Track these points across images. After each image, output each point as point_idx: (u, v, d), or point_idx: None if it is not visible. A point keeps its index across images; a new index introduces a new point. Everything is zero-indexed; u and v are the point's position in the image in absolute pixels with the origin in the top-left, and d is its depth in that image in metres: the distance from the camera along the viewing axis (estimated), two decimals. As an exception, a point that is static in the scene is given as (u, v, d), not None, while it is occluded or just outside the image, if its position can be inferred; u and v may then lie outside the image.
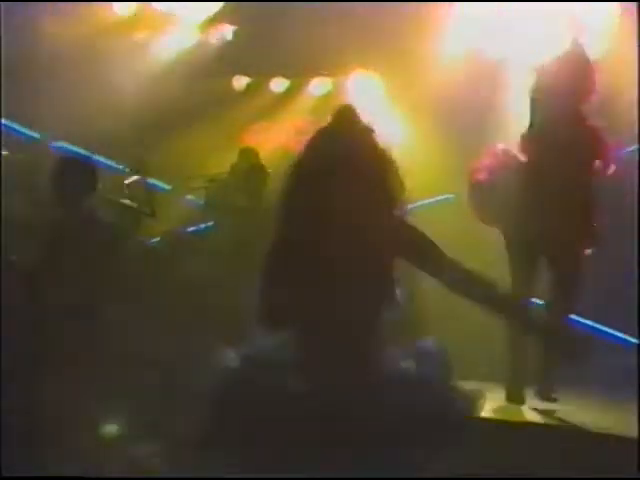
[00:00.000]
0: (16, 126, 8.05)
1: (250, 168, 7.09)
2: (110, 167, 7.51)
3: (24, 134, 8.09)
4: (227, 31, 8.61)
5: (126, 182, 6.96)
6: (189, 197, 7.97)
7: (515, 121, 5.90)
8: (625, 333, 7.17)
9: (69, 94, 7.60)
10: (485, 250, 5.88)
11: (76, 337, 4.79)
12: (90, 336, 4.88)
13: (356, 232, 2.93)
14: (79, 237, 4.97)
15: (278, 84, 9.28)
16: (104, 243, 5.05)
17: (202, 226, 7.35)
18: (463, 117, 7.60)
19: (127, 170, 7.06)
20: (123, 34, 8.20)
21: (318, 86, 9.20)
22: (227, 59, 8.55)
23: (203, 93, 8.54)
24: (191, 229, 7.45)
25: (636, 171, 6.80)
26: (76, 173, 5.17)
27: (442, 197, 7.93)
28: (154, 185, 7.72)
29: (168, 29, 8.49)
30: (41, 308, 4.89)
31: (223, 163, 7.56)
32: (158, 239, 7.23)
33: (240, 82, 9.21)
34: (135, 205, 6.62)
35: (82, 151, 6.88)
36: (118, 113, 7.81)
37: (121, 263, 5.28)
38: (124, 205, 6.53)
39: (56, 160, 5.30)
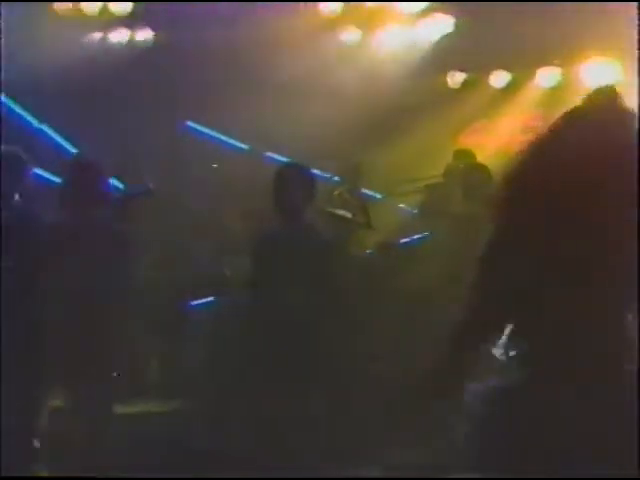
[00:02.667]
0: (224, 138, 7.97)
1: (470, 169, 6.41)
2: (320, 177, 7.19)
3: (233, 146, 7.98)
4: (439, 25, 8.01)
5: (336, 192, 6.60)
6: (401, 205, 7.48)
7: None
8: None
9: (279, 103, 7.35)
10: None
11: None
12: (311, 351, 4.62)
13: (605, 231, 2.65)
14: (300, 251, 4.68)
15: (499, 78, 8.62)
16: (325, 256, 4.73)
17: (417, 236, 6.82)
18: None
19: (336, 179, 6.73)
20: (331, 34, 7.84)
21: (546, 77, 8.41)
22: (441, 55, 8.06)
23: (415, 92, 8.12)
24: (405, 239, 6.92)
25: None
26: (297, 185, 4.81)
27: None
28: (366, 194, 7.34)
29: (377, 26, 8.04)
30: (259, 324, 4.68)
31: (439, 166, 7.08)
32: (371, 251, 6.82)
33: (456, 78, 8.65)
34: (351, 216, 6.22)
35: (295, 161, 6.57)
36: (327, 119, 7.47)
37: (339, 277, 4.94)
38: (340, 216, 6.15)
39: (277, 172, 4.92)
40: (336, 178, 7.21)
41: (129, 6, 7.75)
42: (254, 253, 4.78)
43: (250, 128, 7.76)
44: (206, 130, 8.17)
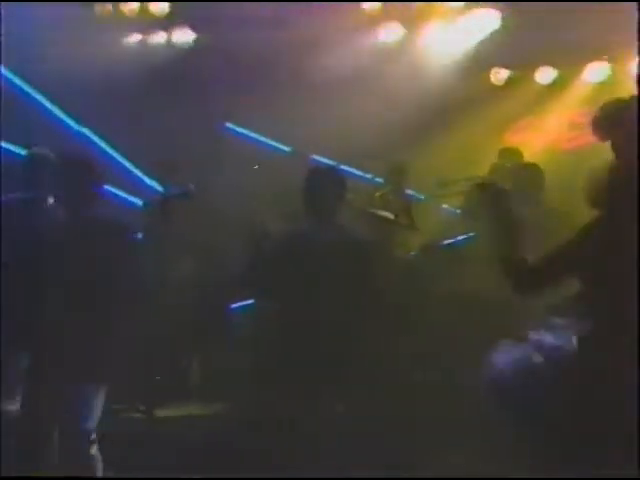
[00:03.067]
0: (265, 139, 7.88)
1: (519, 169, 6.20)
2: (361, 177, 7.07)
3: (274, 148, 7.88)
4: (483, 21, 7.83)
5: (378, 193, 6.47)
6: (445, 206, 7.32)
7: None
8: None
9: (321, 103, 7.30)
10: None
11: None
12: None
13: None
14: (333, 251, 4.58)
15: (545, 74, 8.42)
16: (360, 257, 4.62)
17: (461, 237, 6.65)
18: None
19: (379, 180, 6.61)
20: (373, 32, 7.74)
21: (595, 73, 8.19)
22: (484, 51, 7.85)
23: (459, 90, 7.95)
24: (450, 241, 6.76)
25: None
26: (328, 185, 4.73)
27: None
28: (409, 195, 7.20)
29: (420, 23, 7.89)
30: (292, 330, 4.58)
31: (483, 166, 6.86)
32: (415, 253, 6.71)
33: (500, 75, 8.46)
34: (393, 217, 6.09)
35: (332, 162, 6.46)
36: (370, 119, 7.35)
37: (377, 278, 4.82)
38: (383, 218, 6.04)
39: (308, 173, 4.83)
40: (379, 179, 7.08)
41: (167, 6, 7.68)
42: (285, 254, 4.67)
43: (291, 129, 7.65)
44: (246, 132, 8.08)
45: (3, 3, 6.44)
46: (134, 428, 5.78)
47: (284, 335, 4.61)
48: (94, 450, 4.31)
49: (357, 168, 7.01)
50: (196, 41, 7.95)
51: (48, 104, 7.51)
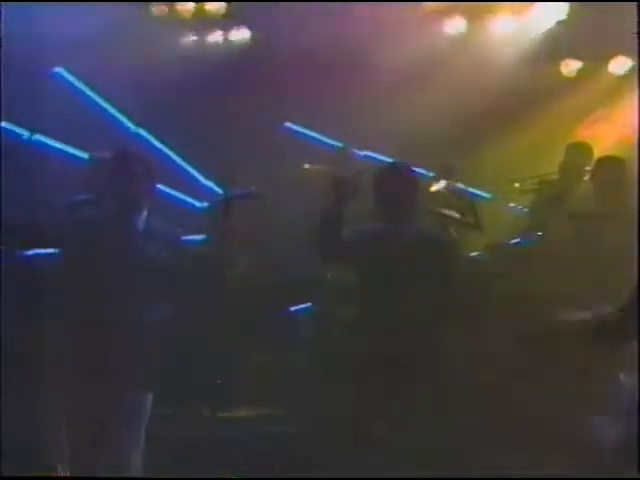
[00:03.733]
0: (323, 137, 7.71)
1: (603, 164, 5.81)
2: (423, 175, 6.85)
3: (326, 143, 7.69)
4: (551, 11, 7.53)
5: (437, 188, 6.25)
6: (512, 204, 7.06)
7: None
8: None
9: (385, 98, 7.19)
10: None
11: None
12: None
13: None
14: (414, 251, 4.56)
15: (619, 65, 8.10)
16: (442, 256, 4.63)
17: (528, 236, 6.37)
18: None
19: (434, 175, 6.40)
20: (437, 25, 7.53)
21: (672, 62, 7.81)
22: (554, 43, 7.61)
23: (528, 83, 7.73)
24: (516, 240, 6.48)
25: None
26: (407, 184, 4.66)
27: None
28: (474, 193, 6.95)
29: (486, 15, 7.63)
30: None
31: (553, 161, 6.70)
32: (480, 252, 6.50)
33: (570, 67, 8.16)
34: (459, 216, 5.89)
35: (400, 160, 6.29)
36: (435, 114, 7.15)
37: (455, 278, 4.86)
38: (448, 216, 5.85)
39: (383, 172, 4.71)
40: (434, 174, 6.84)
41: (224, 6, 7.58)
42: (360, 255, 4.59)
43: (351, 126, 7.48)
44: (305, 130, 7.92)
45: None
46: (198, 431, 5.72)
47: (355, 336, 4.62)
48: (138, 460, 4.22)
49: (420, 164, 6.81)
50: (252, 39, 7.84)
51: (106, 105, 7.47)
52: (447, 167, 6.45)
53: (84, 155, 6.96)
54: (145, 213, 4.27)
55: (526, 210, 6.69)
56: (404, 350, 4.37)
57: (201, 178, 7.60)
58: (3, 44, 5.50)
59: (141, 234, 4.22)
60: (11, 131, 6.92)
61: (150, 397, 4.24)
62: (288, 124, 7.90)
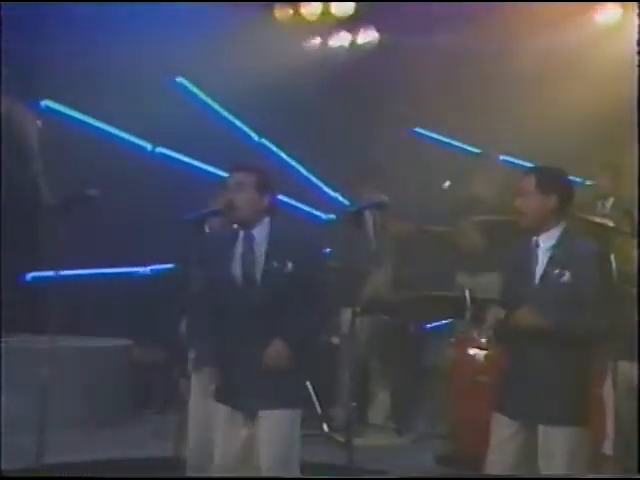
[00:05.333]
0: (454, 142, 7.28)
1: None
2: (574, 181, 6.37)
3: (465, 150, 7.26)
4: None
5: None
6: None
7: None
8: None
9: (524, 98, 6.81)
10: None
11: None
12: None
13: None
14: (566, 263, 4.12)
15: None
16: (595, 268, 4.20)
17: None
18: None
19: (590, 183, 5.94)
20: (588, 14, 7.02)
21: None
22: None
23: None
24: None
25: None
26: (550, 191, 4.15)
27: None
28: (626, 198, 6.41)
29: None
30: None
31: None
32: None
33: None
34: (612, 224, 5.43)
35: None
36: (576, 116, 6.70)
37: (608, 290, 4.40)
38: (601, 225, 5.38)
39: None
40: (590, 182, 6.33)
41: (351, 7, 7.24)
42: (509, 270, 4.21)
43: (484, 129, 7.04)
44: (435, 135, 7.52)
45: None
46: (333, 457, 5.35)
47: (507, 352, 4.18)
48: None
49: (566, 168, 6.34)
50: (380, 42, 7.49)
51: (227, 115, 7.23)
52: (611, 169, 5.97)
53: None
54: (265, 226, 4.05)
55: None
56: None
57: (327, 189, 7.28)
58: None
59: (259, 246, 4.02)
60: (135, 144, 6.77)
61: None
62: (417, 129, 7.52)
